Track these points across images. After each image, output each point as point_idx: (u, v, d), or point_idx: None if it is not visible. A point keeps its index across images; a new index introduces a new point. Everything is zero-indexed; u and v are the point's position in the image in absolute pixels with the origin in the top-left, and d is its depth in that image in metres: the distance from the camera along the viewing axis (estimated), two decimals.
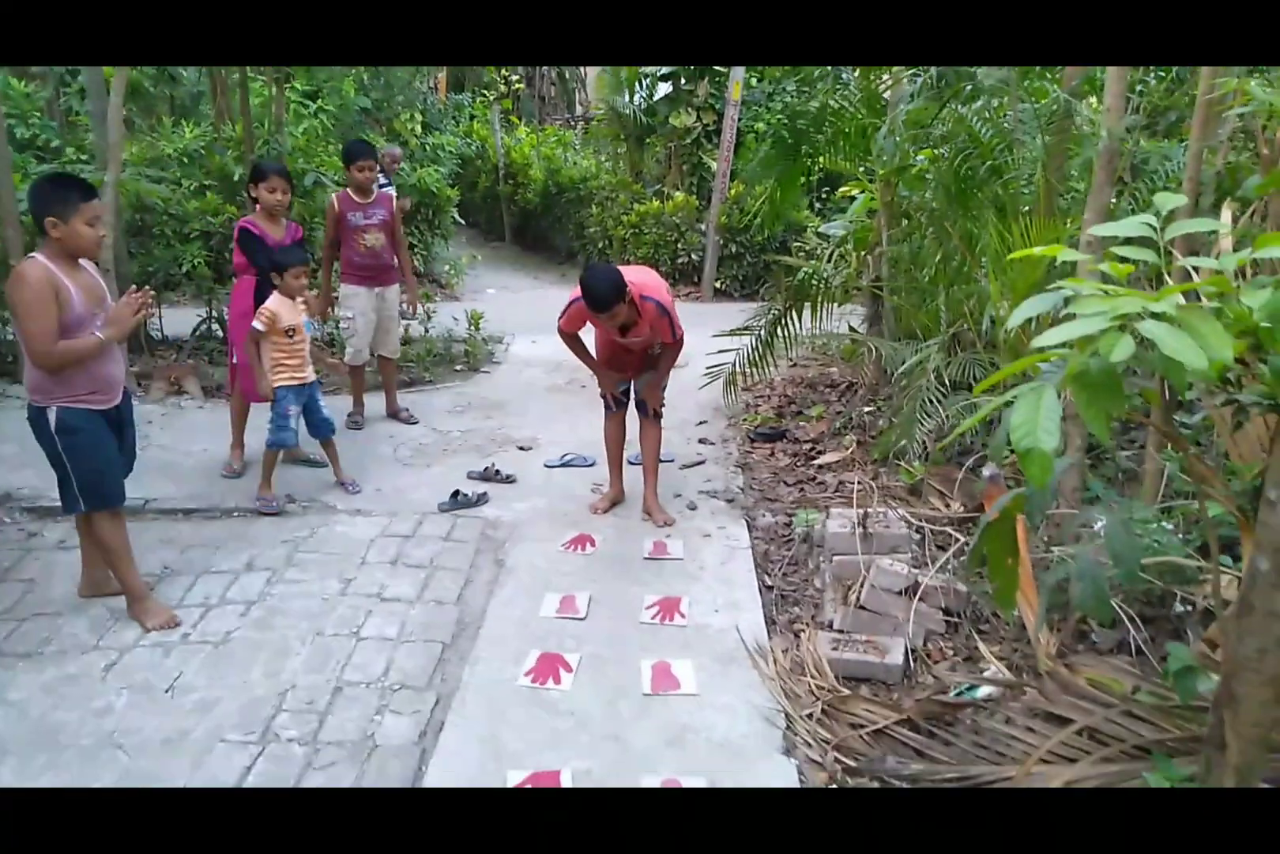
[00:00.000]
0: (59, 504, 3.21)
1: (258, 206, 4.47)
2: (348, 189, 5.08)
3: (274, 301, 4.03)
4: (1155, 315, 1.48)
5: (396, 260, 5.29)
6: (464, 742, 2.61)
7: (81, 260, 3.04)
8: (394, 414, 5.50)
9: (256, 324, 4.00)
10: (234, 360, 4.54)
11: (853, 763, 2.54)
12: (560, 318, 3.81)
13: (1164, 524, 3.03)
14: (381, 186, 8.01)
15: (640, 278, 3.72)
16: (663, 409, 4.17)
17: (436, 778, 2.46)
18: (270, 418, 4.15)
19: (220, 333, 6.50)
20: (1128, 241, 1.82)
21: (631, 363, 4.03)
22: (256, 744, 2.62)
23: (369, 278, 5.16)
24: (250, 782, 2.47)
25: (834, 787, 2.45)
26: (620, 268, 3.65)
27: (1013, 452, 1.59)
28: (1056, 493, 3.31)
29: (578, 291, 3.59)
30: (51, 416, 2.99)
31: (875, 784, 2.48)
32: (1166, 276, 1.99)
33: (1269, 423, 2.42)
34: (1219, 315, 1.60)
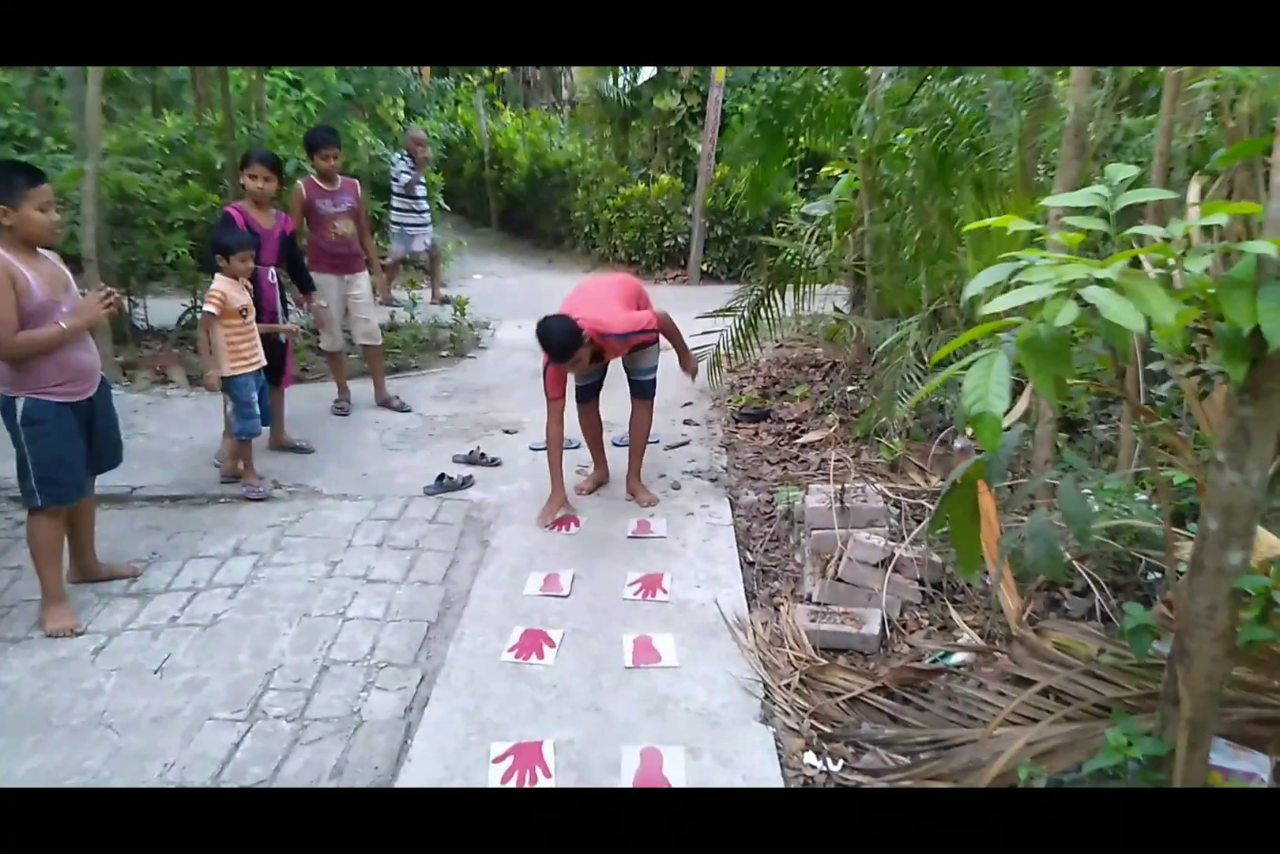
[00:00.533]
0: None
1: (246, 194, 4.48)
2: (313, 176, 5.06)
3: (221, 282, 3.95)
4: (1100, 282, 1.52)
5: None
6: (448, 715, 2.66)
7: (41, 249, 3.00)
8: (385, 403, 5.50)
9: (209, 307, 3.91)
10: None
11: (829, 729, 2.60)
12: (546, 387, 3.85)
13: (1137, 494, 3.09)
14: (402, 172, 8.03)
15: (593, 312, 3.71)
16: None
17: (421, 750, 2.51)
18: (232, 408, 4.13)
19: None
20: (1085, 212, 1.86)
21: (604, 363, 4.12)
22: (245, 721, 2.67)
23: (338, 265, 5.14)
24: (239, 758, 2.52)
25: (826, 782, 2.47)
26: (576, 300, 3.79)
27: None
28: (1030, 465, 3.36)
29: (546, 356, 3.71)
30: (19, 407, 2.96)
31: (850, 749, 2.54)
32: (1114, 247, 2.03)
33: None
34: (1165, 282, 1.65)
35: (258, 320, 4.40)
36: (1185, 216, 3.07)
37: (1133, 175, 1.80)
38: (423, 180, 8.30)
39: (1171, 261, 1.68)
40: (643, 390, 4.13)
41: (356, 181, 5.25)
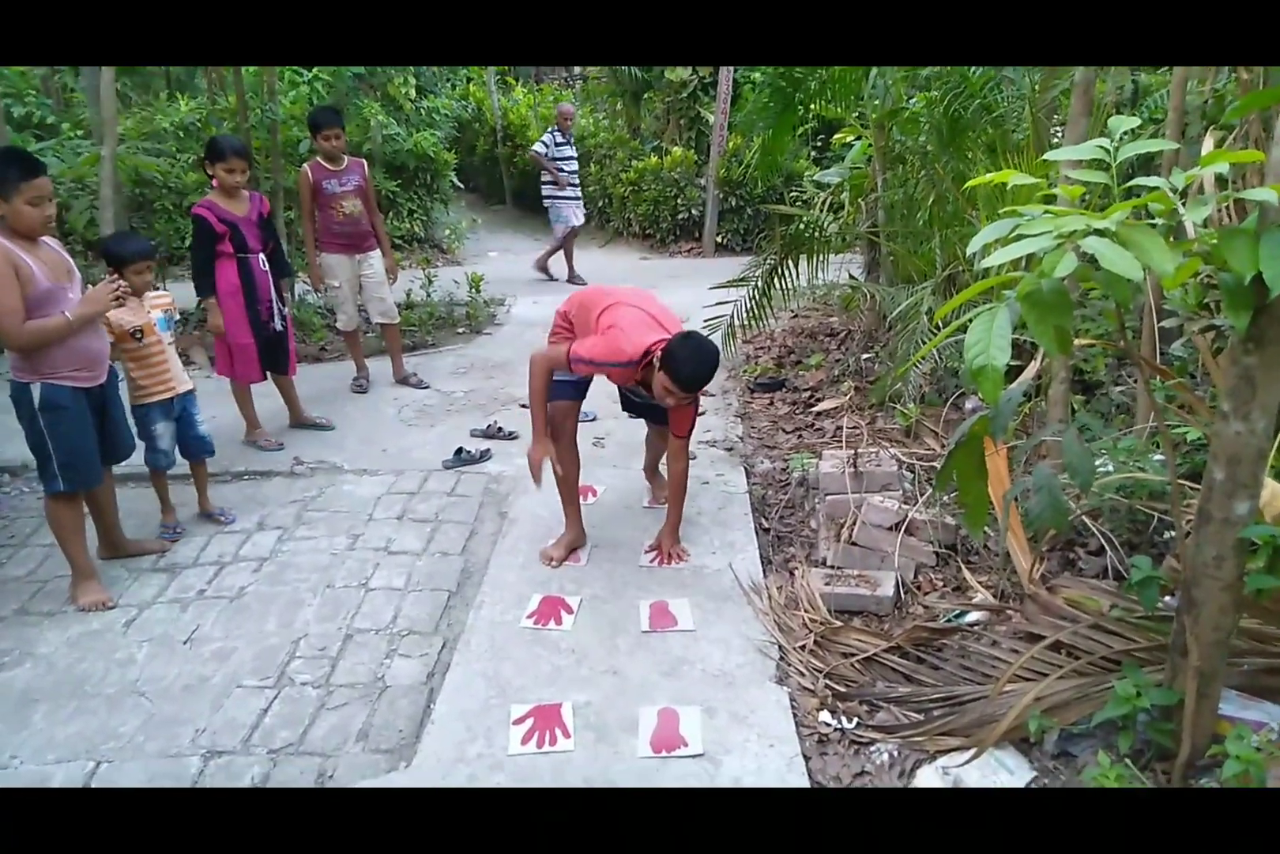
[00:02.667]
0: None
1: (214, 183, 4.29)
2: (318, 157, 5.04)
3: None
4: (1100, 233, 1.52)
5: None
6: (469, 679, 2.72)
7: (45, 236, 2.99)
8: (403, 380, 5.55)
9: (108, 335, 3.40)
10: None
11: (843, 689, 2.64)
12: (570, 359, 3.19)
13: (1152, 454, 3.08)
14: (559, 144, 8.14)
15: (651, 322, 3.23)
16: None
17: (444, 712, 2.57)
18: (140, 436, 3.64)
19: None
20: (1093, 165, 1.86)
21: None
22: (272, 688, 2.75)
23: (349, 245, 5.14)
24: (267, 722, 2.60)
25: (841, 739, 2.50)
26: (643, 306, 3.33)
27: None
28: (1045, 427, 3.36)
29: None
30: (35, 393, 2.98)
31: (864, 707, 2.57)
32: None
33: None
34: (1168, 233, 1.64)
35: (252, 311, 4.36)
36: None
37: (1134, 126, 1.79)
38: (573, 154, 8.35)
39: (1180, 211, 1.68)
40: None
41: (363, 160, 5.24)
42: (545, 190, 8.38)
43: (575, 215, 8.40)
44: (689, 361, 2.96)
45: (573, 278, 8.51)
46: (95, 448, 3.17)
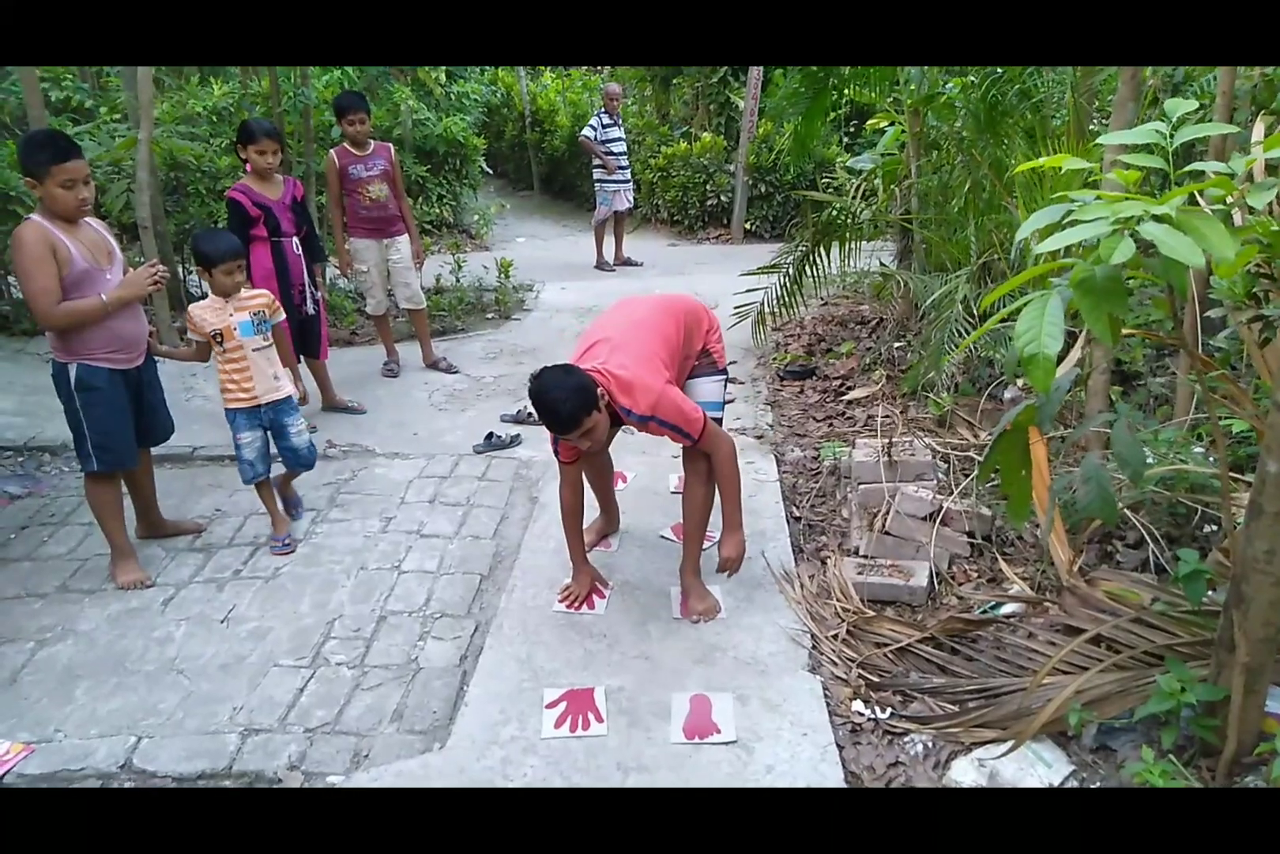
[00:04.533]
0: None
1: (248, 167, 4.33)
2: (345, 143, 5.04)
3: (203, 302, 3.37)
4: (1158, 218, 1.49)
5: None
6: (502, 663, 2.74)
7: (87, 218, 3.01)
8: (433, 365, 5.56)
9: (190, 333, 3.38)
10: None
11: (876, 679, 2.62)
12: (553, 447, 2.93)
13: (1193, 446, 3.04)
14: (607, 127, 8.08)
15: (621, 361, 2.69)
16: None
17: (477, 695, 2.59)
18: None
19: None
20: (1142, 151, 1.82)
21: None
22: (308, 668, 2.78)
23: (376, 230, 5.14)
24: (303, 702, 2.63)
25: (874, 729, 2.49)
26: (602, 337, 2.80)
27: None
28: (1083, 418, 3.31)
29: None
30: (71, 373, 3.02)
31: (898, 698, 2.56)
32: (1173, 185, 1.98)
33: None
34: (1224, 219, 1.61)
35: (285, 294, 4.36)
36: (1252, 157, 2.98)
37: (1192, 109, 1.75)
38: (622, 136, 8.32)
39: (1231, 198, 1.64)
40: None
41: (390, 145, 5.23)
42: (596, 174, 8.32)
43: (621, 199, 8.33)
44: (533, 400, 2.60)
45: (624, 262, 8.52)
46: (130, 430, 3.18)
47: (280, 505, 3.59)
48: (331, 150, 5.12)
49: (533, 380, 2.59)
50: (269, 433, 3.48)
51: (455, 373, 5.49)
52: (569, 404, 2.49)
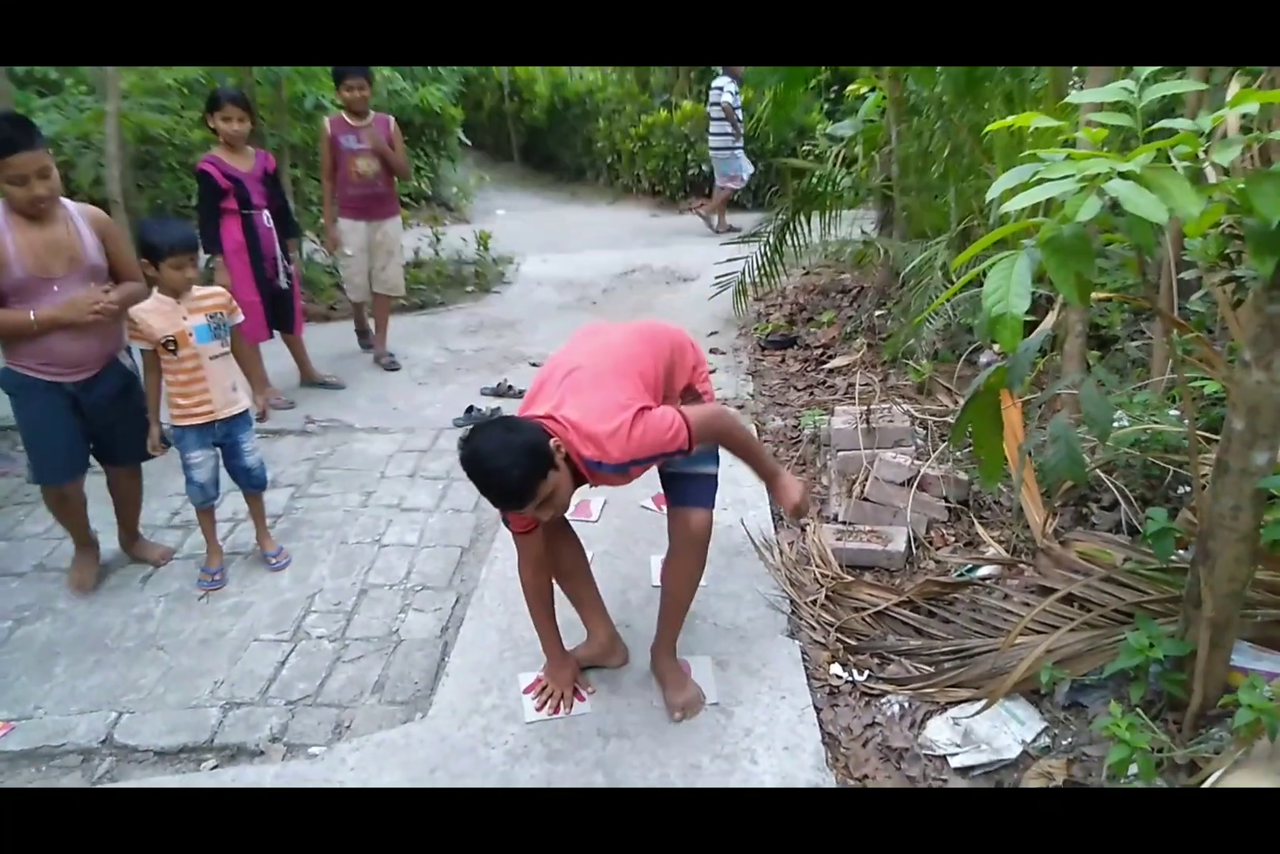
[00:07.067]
0: None
1: (220, 138, 4.21)
2: (341, 113, 4.80)
3: (147, 303, 2.87)
4: (1124, 175, 1.48)
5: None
6: (483, 633, 2.75)
7: (67, 203, 2.74)
8: (377, 357, 5.19)
9: (130, 341, 2.93)
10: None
11: (854, 642, 2.65)
12: (502, 516, 2.41)
13: (1168, 409, 3.05)
14: (735, 93, 7.89)
15: (582, 406, 2.08)
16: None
17: (458, 665, 2.61)
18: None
19: None
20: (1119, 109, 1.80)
21: None
22: (289, 642, 2.78)
23: (363, 209, 4.87)
24: (284, 675, 2.64)
25: (852, 691, 2.51)
26: (560, 378, 2.17)
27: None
28: (1060, 381, 3.32)
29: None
30: (5, 376, 2.80)
31: (875, 660, 2.59)
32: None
33: None
34: (1193, 176, 1.60)
35: (257, 268, 4.28)
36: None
37: (1158, 69, 1.74)
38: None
39: (1202, 155, 1.63)
40: (687, 493, 2.35)
41: (390, 118, 4.93)
42: (722, 141, 8.20)
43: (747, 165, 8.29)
44: (468, 472, 2.01)
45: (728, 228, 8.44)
46: (63, 444, 2.88)
47: (259, 547, 3.26)
48: (326, 118, 4.88)
49: (463, 445, 1.99)
50: (219, 450, 3.10)
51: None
52: (517, 472, 1.92)
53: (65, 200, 2.76)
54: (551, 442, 2.01)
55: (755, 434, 2.34)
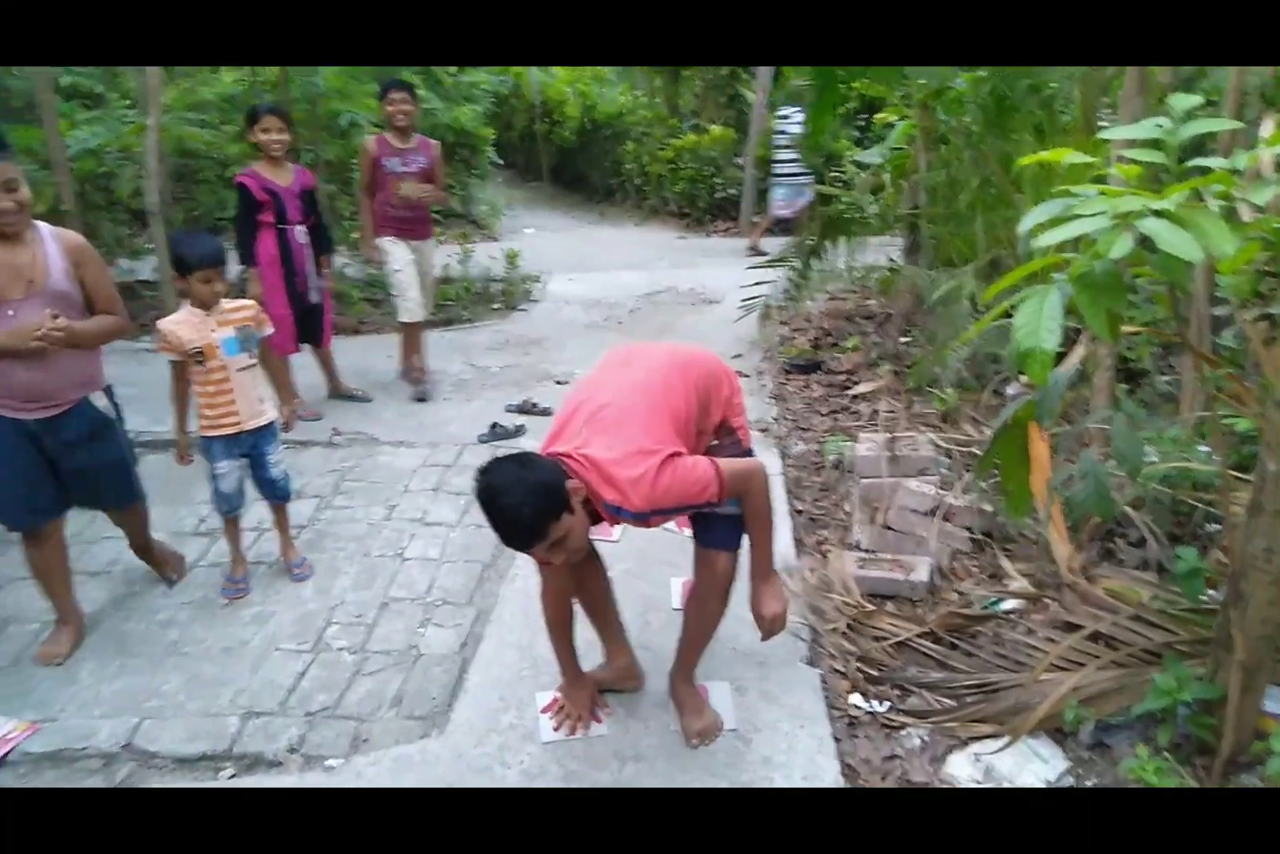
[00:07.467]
0: None
1: (262, 151, 4.25)
2: (385, 133, 4.75)
3: (177, 315, 2.93)
4: (1158, 213, 1.49)
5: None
6: (502, 651, 2.75)
7: (43, 226, 2.55)
8: (415, 381, 5.00)
9: (162, 351, 2.92)
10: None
11: (875, 672, 2.63)
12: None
13: (1198, 445, 3.03)
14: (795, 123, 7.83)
15: (606, 446, 2.03)
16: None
17: (476, 681, 2.61)
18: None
19: None
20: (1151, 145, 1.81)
21: None
22: (310, 652, 2.80)
23: (404, 230, 4.79)
24: (304, 686, 2.65)
25: (871, 722, 2.52)
26: (587, 413, 2.12)
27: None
28: (1088, 415, 3.31)
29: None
30: None
31: (896, 692, 2.57)
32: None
33: None
34: (1228, 216, 1.60)
35: (289, 282, 4.34)
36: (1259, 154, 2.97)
37: (1197, 105, 1.75)
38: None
39: (1237, 194, 1.63)
40: (713, 535, 2.31)
41: (436, 143, 4.88)
42: (790, 168, 8.25)
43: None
44: (481, 505, 1.95)
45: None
46: (22, 486, 2.65)
47: (282, 558, 3.28)
48: (370, 137, 4.83)
49: (479, 478, 1.94)
50: (246, 461, 3.11)
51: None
52: (528, 510, 1.87)
53: (40, 223, 2.57)
54: (570, 483, 1.95)
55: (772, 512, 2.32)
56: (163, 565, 3.19)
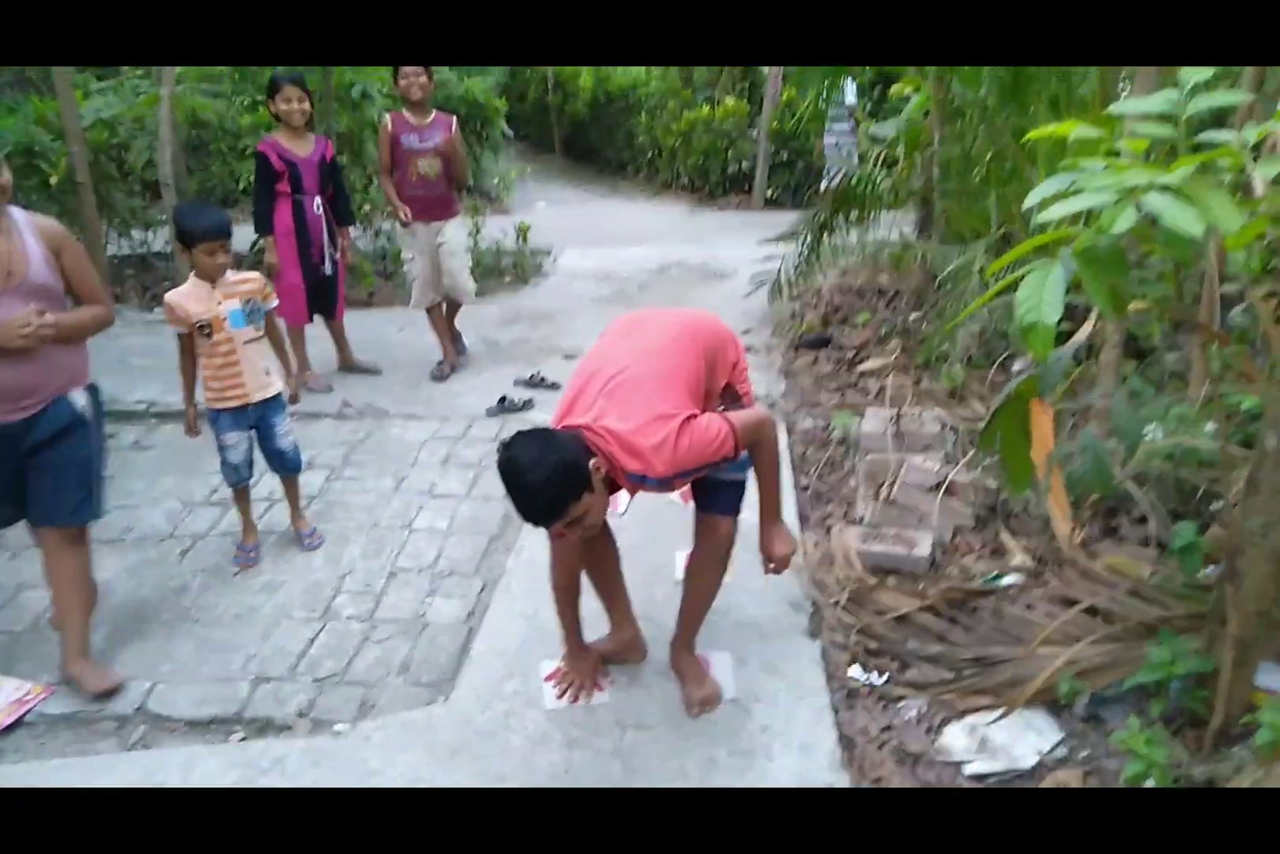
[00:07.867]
0: (133, 408, 3.30)
1: (283, 121, 4.27)
2: (402, 110, 4.60)
3: (183, 287, 2.94)
4: (1164, 188, 1.48)
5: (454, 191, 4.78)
6: (508, 620, 2.80)
7: (17, 213, 2.39)
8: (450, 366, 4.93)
9: (167, 324, 2.97)
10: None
11: (875, 645, 2.66)
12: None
13: (1205, 423, 3.02)
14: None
15: (622, 416, 2.04)
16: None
17: (482, 650, 2.66)
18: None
19: None
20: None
21: None
22: (319, 620, 2.85)
23: (423, 211, 4.61)
24: (313, 653, 2.71)
25: (870, 693, 2.54)
26: (600, 383, 2.11)
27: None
28: (1092, 388, 3.30)
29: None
30: None
31: (895, 664, 2.60)
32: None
33: None
34: (1232, 189, 1.59)
35: (304, 252, 4.35)
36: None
37: (1207, 77, 1.73)
38: None
39: (1247, 169, 1.62)
40: (716, 500, 2.33)
41: (453, 118, 4.75)
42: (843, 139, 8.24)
43: None
44: (503, 479, 1.96)
45: None
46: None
47: (293, 528, 3.32)
48: (387, 114, 4.72)
49: (501, 451, 1.95)
50: (254, 433, 3.14)
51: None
52: (549, 489, 1.88)
53: (15, 210, 2.41)
54: (592, 462, 1.96)
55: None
56: (88, 676, 2.57)
